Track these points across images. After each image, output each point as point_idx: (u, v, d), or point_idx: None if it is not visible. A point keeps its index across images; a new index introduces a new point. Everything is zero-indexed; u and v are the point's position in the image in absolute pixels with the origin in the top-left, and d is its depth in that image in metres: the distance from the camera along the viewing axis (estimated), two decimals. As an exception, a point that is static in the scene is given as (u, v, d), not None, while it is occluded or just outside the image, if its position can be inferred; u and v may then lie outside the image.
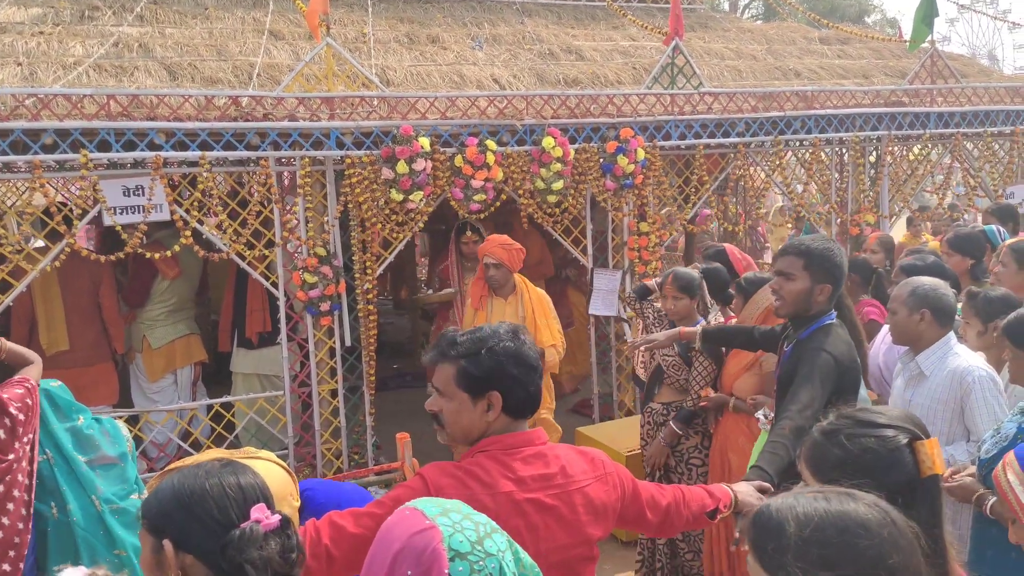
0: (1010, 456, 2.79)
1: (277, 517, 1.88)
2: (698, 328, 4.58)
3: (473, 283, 6.06)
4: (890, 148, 8.10)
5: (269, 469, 2.83)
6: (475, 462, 2.31)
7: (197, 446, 6.18)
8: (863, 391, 3.95)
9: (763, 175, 8.54)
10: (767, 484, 2.84)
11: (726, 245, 6.18)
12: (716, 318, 5.27)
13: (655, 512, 2.57)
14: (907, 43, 8.95)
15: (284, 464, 2.80)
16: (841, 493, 1.60)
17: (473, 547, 1.56)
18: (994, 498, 3.03)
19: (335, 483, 3.63)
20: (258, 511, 1.87)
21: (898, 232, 11.63)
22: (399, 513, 1.64)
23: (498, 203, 6.53)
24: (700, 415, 4.86)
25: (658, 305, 5.18)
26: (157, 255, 5.84)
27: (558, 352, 5.76)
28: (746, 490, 2.79)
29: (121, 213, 5.52)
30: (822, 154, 8.19)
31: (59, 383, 4.00)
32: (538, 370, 2.38)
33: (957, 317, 4.27)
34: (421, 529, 1.57)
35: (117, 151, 5.35)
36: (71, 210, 5.64)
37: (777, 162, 7.72)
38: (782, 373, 3.55)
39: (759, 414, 4.02)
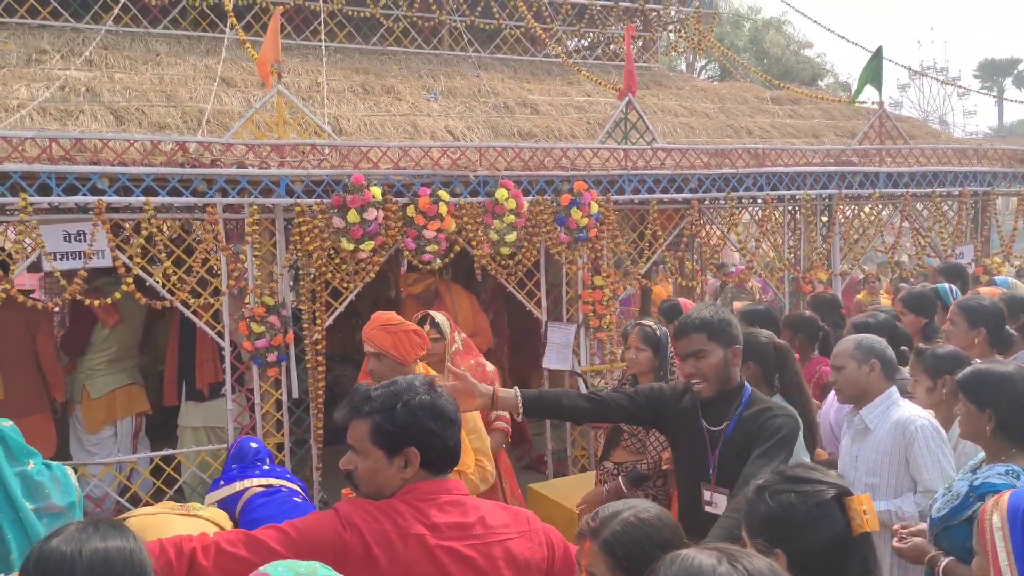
0: (1003, 498, 2.68)
1: None
2: (514, 392, 3.44)
3: (360, 378, 4.70)
4: (841, 207, 8.22)
5: (206, 527, 2.72)
6: (389, 504, 2.27)
7: (136, 501, 5.97)
8: (803, 452, 3.91)
9: (718, 232, 8.61)
10: None
11: (680, 299, 6.19)
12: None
13: None
14: (853, 102, 9.16)
15: (228, 521, 2.70)
16: (723, 551, 1.58)
17: None
18: (947, 559, 2.99)
19: (283, 505, 3.60)
20: None
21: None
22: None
23: (451, 255, 6.50)
24: (652, 479, 4.75)
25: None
26: (96, 302, 5.70)
27: (471, 481, 4.06)
28: None
29: (61, 259, 5.39)
30: (775, 213, 8.29)
31: (11, 423, 3.87)
32: (456, 423, 2.35)
33: (906, 375, 4.29)
34: None
35: (58, 195, 5.25)
36: (9, 255, 5.49)
37: (730, 219, 7.80)
38: (729, 450, 3.31)
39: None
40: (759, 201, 8.04)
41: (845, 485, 2.04)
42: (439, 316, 5.00)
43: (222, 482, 4.01)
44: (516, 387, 3.48)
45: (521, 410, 3.39)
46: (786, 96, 10.21)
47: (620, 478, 4.78)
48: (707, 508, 3.34)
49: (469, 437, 4.01)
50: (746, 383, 3.43)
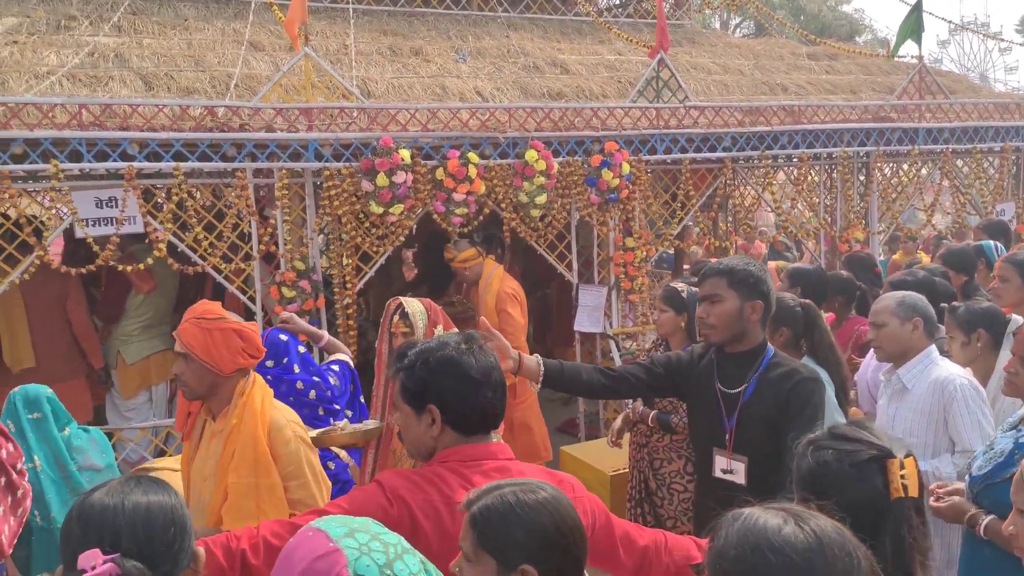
0: None
1: (108, 567, 1.68)
2: (536, 359, 3.39)
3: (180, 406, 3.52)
4: (879, 165, 8.08)
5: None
6: (432, 471, 2.25)
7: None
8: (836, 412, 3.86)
9: (753, 192, 8.50)
10: None
11: (714, 260, 6.12)
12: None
13: (630, 552, 2.38)
14: (892, 57, 8.97)
15: None
16: (789, 511, 1.55)
17: (381, 571, 1.48)
18: (988, 517, 2.94)
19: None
20: (86, 559, 1.68)
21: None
22: (302, 534, 1.55)
23: (481, 217, 6.47)
24: (679, 432, 4.71)
25: None
26: (130, 268, 5.75)
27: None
28: None
29: (93, 225, 5.44)
30: (811, 172, 8.15)
31: (50, 390, 4.01)
32: (485, 383, 2.29)
33: (944, 333, 4.21)
34: (324, 553, 1.49)
35: (89, 161, 5.28)
36: (42, 222, 5.55)
37: (765, 179, 7.69)
38: (748, 415, 3.23)
39: None
40: (795, 160, 7.92)
41: (888, 447, 2.00)
42: (414, 305, 4.24)
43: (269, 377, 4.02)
44: (538, 356, 3.40)
45: (541, 379, 3.32)
46: (823, 52, 10.01)
47: (652, 413, 4.71)
48: (722, 475, 3.26)
49: (290, 484, 3.12)
50: (769, 345, 3.35)
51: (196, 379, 3.16)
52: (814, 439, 2.04)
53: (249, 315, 6.33)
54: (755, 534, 1.50)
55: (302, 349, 4.20)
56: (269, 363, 3.92)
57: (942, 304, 4.37)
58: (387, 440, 3.26)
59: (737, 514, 1.56)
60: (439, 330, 4.73)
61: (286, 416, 3.23)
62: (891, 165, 8.40)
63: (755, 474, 3.17)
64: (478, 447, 2.28)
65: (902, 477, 1.94)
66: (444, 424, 2.26)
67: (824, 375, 4.15)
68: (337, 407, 4.10)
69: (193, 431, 3.33)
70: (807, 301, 4.32)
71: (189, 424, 3.34)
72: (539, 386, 3.38)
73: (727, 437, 3.26)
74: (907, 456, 1.99)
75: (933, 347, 3.85)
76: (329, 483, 3.33)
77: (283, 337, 4.08)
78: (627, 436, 5.08)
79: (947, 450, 3.67)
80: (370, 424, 3.41)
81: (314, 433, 3.51)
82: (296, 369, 4.00)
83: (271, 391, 3.33)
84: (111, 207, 5.47)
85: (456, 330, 4.68)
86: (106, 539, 1.72)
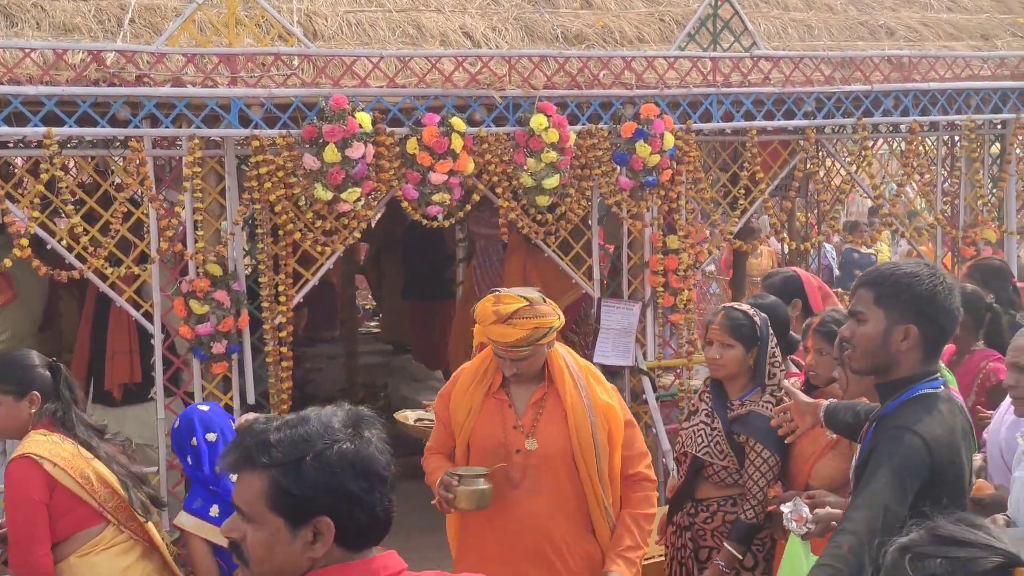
0: None
1: None
2: (821, 403, 4.20)
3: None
4: (1019, 138, 8.11)
5: None
6: None
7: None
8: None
9: (843, 172, 8.54)
10: None
11: (796, 269, 6.14)
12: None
13: None
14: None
15: None
16: None
17: None
18: None
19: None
20: None
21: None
22: None
23: (468, 206, 6.48)
24: (763, 527, 4.76)
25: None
26: (-22, 273, 5.79)
27: None
28: None
29: (-70, 212, 5.46)
30: (925, 144, 8.18)
31: None
32: (388, 480, 2.31)
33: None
34: None
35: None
36: None
37: (862, 155, 7.71)
38: (858, 464, 3.51)
39: (784, 508, 3.95)
40: (903, 129, 7.94)
41: (1014, 552, 2.02)
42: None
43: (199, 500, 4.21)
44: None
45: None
46: (944, -21, 10.05)
47: (725, 542, 4.75)
48: None
49: None
50: (923, 383, 3.45)
51: None
52: (910, 544, 2.05)
53: (144, 337, 6.35)
54: None
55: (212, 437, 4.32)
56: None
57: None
58: None
59: None
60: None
61: None
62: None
63: None
64: (358, 564, 2.29)
65: None
66: (333, 541, 2.27)
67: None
68: None
69: None
70: None
71: None
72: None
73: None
74: None
75: None
76: None
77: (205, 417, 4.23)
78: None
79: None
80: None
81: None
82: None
83: None
84: (-44, 188, 5.49)
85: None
86: None
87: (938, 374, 3.49)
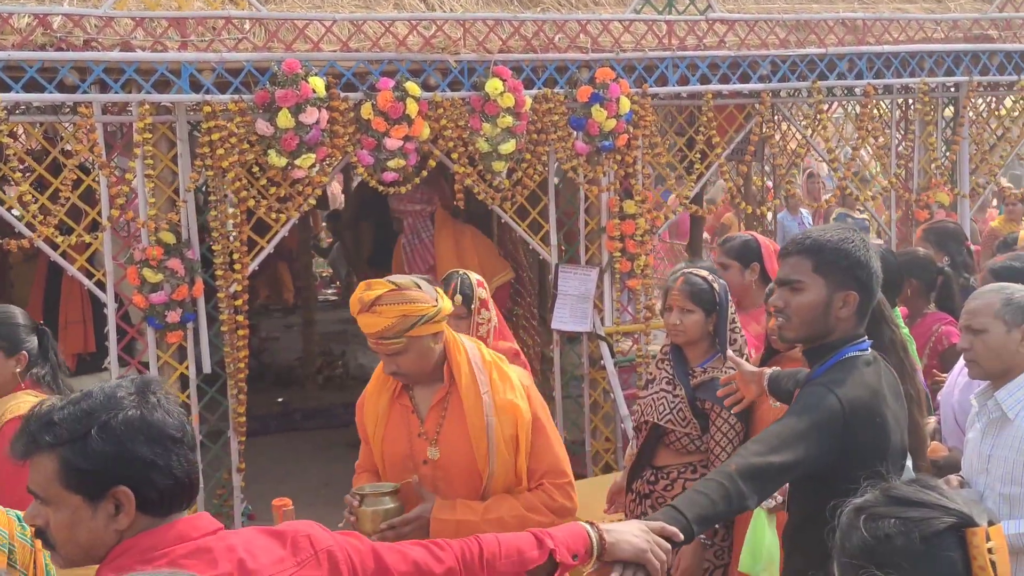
0: None
1: None
2: (765, 371, 4.19)
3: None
4: (972, 100, 8.16)
5: None
6: None
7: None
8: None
9: (798, 136, 8.56)
10: (674, 530, 2.81)
11: (753, 234, 6.15)
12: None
13: None
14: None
15: None
16: None
17: None
18: None
19: None
20: None
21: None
22: None
23: (424, 171, 6.45)
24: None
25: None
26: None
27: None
28: (629, 532, 2.73)
29: None
30: (879, 107, 8.21)
31: None
32: (184, 440, 2.31)
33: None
34: None
35: None
36: None
37: (816, 118, 7.74)
38: None
39: None
40: (857, 92, 7.97)
41: (967, 512, 2.03)
42: (471, 275, 4.95)
43: None
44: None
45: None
46: (897, -58, 10.07)
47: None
48: None
49: None
50: (851, 345, 3.47)
51: None
52: (864, 505, 2.07)
53: (96, 306, 6.29)
54: None
55: None
56: None
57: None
58: None
59: None
60: (492, 311, 4.92)
61: None
62: (988, 100, 8.48)
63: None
64: (161, 530, 2.28)
65: (989, 552, 1.98)
66: (137, 510, 2.26)
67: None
68: None
69: None
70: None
71: None
72: None
73: None
74: (992, 524, 2.03)
75: None
76: None
77: None
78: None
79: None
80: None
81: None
82: None
83: None
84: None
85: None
86: None
87: (864, 337, 3.50)
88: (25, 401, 4.25)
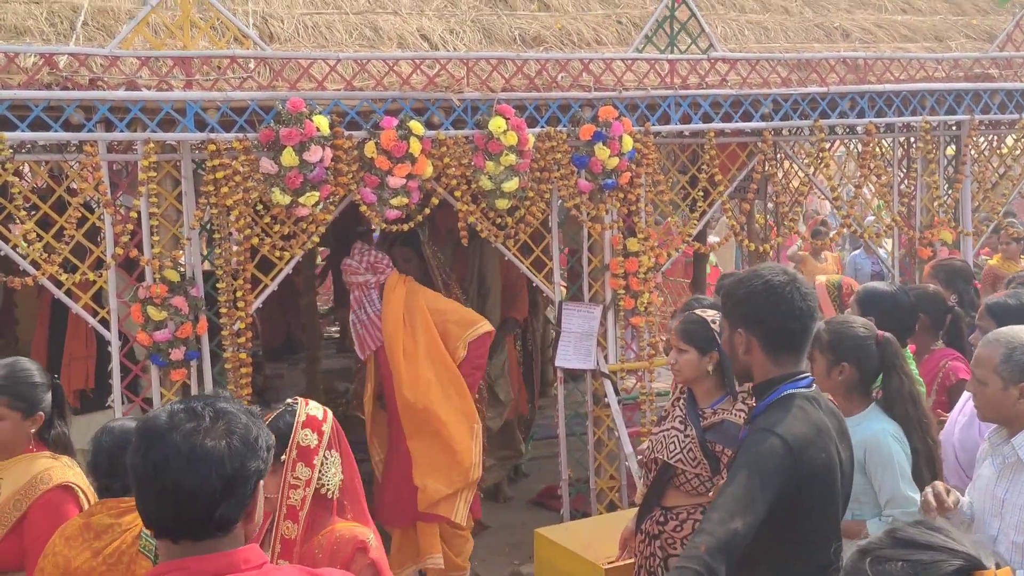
0: None
1: None
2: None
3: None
4: (973, 139, 8.17)
5: None
6: None
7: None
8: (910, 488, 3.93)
9: (800, 174, 8.56)
10: None
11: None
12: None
13: None
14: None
15: None
16: None
17: None
18: None
19: None
20: None
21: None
22: None
23: (427, 209, 6.44)
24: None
25: None
26: (-68, 280, 5.70)
27: None
28: None
29: None
30: (881, 145, 8.22)
31: None
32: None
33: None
34: None
35: None
36: None
37: (819, 157, 7.74)
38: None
39: None
40: (859, 131, 7.98)
41: (975, 554, 2.01)
42: (300, 405, 3.90)
43: None
44: None
45: None
46: (898, -17, 10.12)
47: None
48: None
49: None
50: (787, 384, 3.47)
51: None
52: (869, 547, 2.05)
53: (101, 343, 6.28)
54: None
55: None
56: None
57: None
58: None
59: None
60: None
61: None
62: (990, 139, 8.49)
63: None
64: (218, 557, 2.30)
65: None
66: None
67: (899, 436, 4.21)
68: None
69: None
70: (886, 334, 4.38)
71: None
72: None
73: None
74: (1000, 567, 2.01)
75: None
76: None
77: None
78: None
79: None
80: None
81: None
82: None
83: None
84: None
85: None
86: None
87: (805, 373, 3.52)
88: (54, 467, 4.17)
